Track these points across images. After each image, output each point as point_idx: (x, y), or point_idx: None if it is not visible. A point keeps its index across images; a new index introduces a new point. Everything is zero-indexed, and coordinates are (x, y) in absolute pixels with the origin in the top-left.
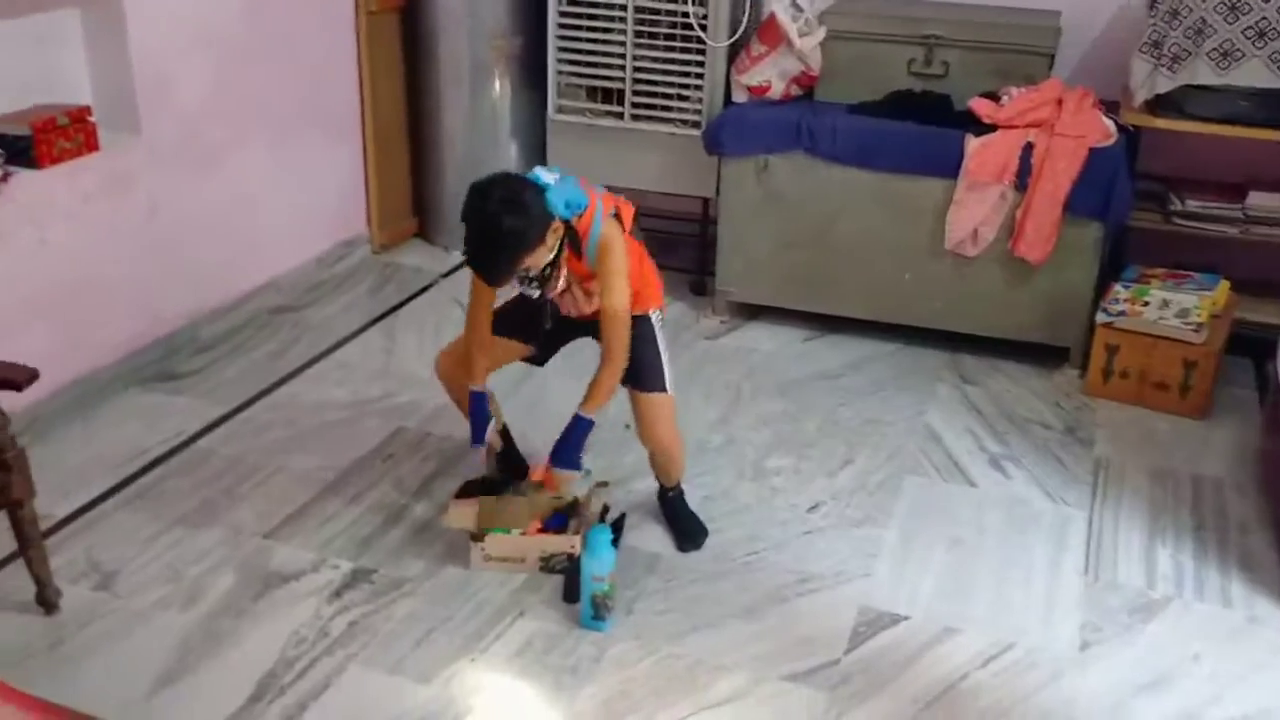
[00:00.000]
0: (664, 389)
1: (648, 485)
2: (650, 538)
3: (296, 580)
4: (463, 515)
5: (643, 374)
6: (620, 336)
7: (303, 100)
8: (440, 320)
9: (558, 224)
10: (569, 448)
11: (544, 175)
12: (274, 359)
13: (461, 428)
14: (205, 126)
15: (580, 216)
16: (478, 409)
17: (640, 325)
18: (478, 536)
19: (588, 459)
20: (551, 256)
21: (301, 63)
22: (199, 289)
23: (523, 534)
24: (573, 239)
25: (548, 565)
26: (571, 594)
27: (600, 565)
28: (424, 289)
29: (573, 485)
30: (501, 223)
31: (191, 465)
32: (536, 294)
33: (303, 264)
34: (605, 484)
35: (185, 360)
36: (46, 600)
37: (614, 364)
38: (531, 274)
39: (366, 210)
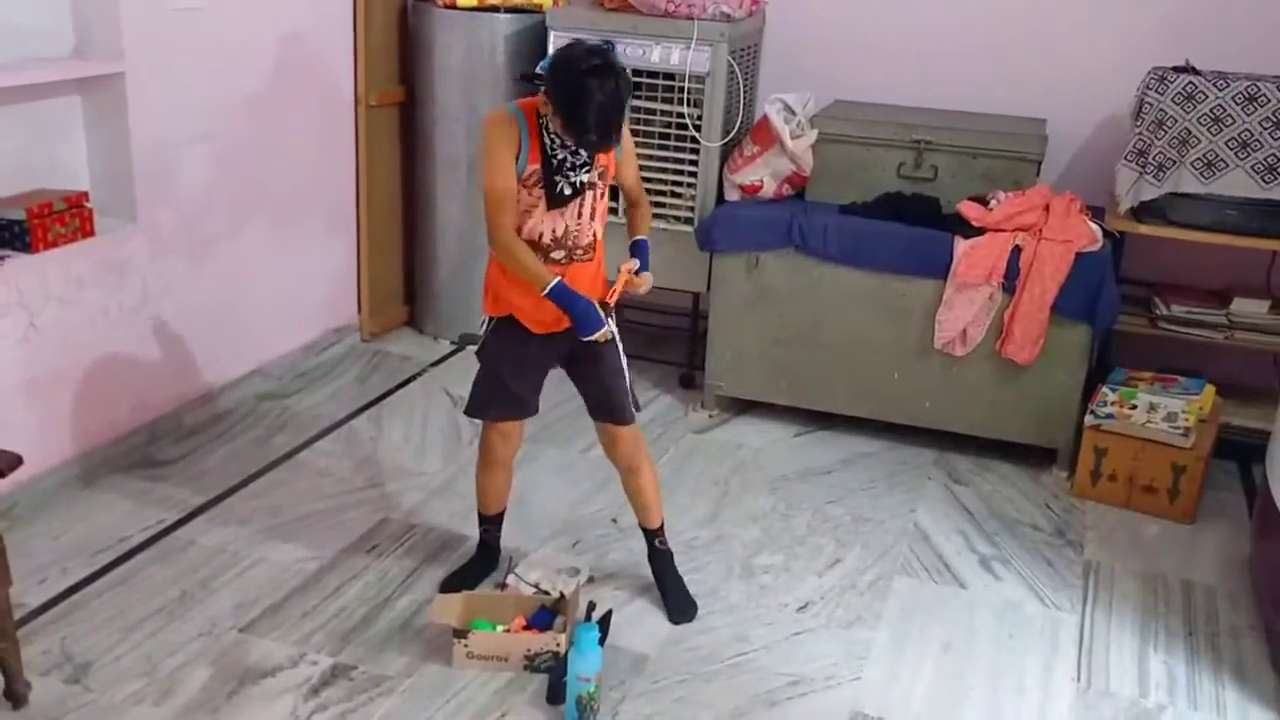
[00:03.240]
0: (635, 417)
1: (634, 581)
2: (637, 637)
3: (273, 676)
4: (448, 609)
5: (618, 407)
6: (642, 191)
7: (300, 190)
8: (428, 409)
9: None
10: (645, 261)
11: None
12: (258, 446)
13: (446, 519)
14: (202, 215)
15: None
16: (569, 294)
17: (607, 348)
18: (461, 633)
19: (577, 558)
20: None
21: (301, 154)
22: (186, 375)
23: (507, 630)
24: None
25: (532, 664)
26: (556, 695)
27: (587, 665)
28: (412, 378)
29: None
30: (627, 84)
31: (171, 554)
32: (586, 176)
33: (291, 351)
34: (592, 579)
35: (169, 447)
36: (15, 694)
37: (646, 203)
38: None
39: (357, 298)
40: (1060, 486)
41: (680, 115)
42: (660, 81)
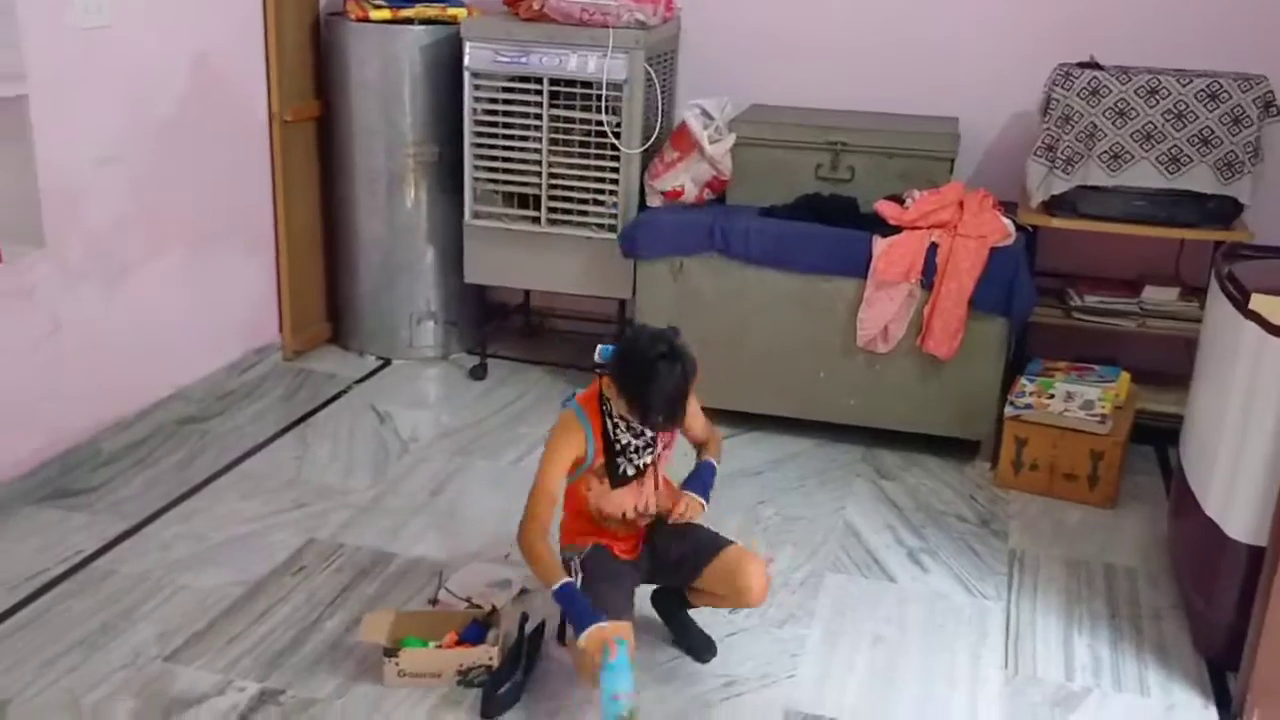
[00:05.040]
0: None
1: None
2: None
3: (200, 704)
4: (377, 627)
5: (716, 544)
6: (711, 432)
7: (216, 210)
8: (354, 425)
9: None
10: (702, 483)
11: None
12: (179, 471)
13: (374, 537)
14: (114, 239)
15: None
16: (576, 598)
17: (687, 528)
18: (392, 651)
19: (512, 570)
20: None
21: (215, 173)
22: (102, 402)
23: (439, 646)
24: None
25: (465, 679)
26: (490, 708)
27: (622, 681)
28: (338, 395)
29: (702, 515)
30: (693, 367)
31: (91, 585)
32: (649, 457)
33: (211, 373)
34: (524, 591)
35: (86, 476)
36: None
37: (717, 438)
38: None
39: (279, 316)
40: (984, 477)
41: (599, 123)
42: (578, 90)
